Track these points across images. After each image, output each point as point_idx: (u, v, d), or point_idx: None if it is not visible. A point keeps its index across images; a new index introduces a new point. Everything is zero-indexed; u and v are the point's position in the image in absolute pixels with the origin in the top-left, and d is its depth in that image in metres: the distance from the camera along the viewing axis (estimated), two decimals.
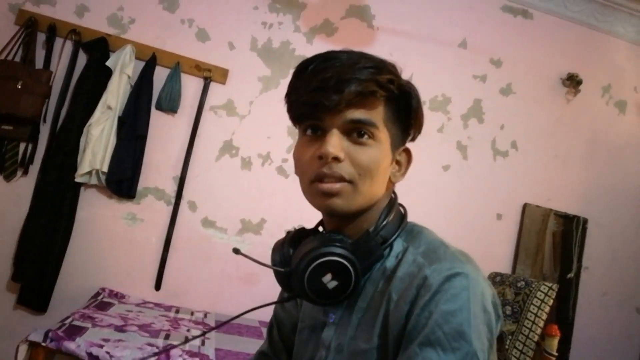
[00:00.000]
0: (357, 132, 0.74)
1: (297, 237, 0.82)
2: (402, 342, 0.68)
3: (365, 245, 0.75)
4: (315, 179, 0.74)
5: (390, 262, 0.76)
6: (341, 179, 0.73)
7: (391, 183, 0.81)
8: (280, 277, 0.82)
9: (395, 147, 0.78)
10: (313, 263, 0.72)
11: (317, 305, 0.80)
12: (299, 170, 0.79)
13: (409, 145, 0.84)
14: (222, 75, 2.78)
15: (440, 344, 0.63)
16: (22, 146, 2.50)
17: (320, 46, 2.89)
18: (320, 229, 0.86)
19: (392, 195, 0.83)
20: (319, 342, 0.81)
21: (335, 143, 0.72)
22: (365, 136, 0.74)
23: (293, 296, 0.78)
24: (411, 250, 0.75)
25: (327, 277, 0.72)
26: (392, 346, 0.69)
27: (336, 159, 0.72)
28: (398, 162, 0.81)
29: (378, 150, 0.75)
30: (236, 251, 0.79)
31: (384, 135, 0.76)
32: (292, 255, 0.78)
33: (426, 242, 0.76)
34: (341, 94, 0.71)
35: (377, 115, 0.75)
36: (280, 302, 0.84)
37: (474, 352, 0.63)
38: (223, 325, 0.88)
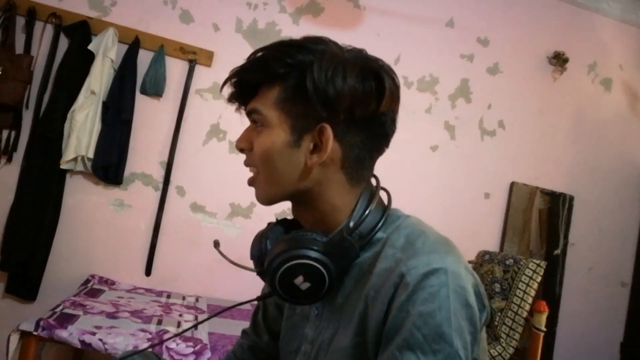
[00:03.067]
0: (254, 121, 0.76)
1: (277, 229, 0.81)
2: (382, 342, 0.66)
3: (339, 245, 0.72)
4: None
5: (369, 256, 0.74)
6: (250, 169, 0.78)
7: (310, 167, 0.74)
8: (257, 274, 0.81)
9: (300, 127, 0.73)
10: (283, 266, 0.71)
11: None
12: None
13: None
14: (207, 57, 2.74)
15: (420, 347, 0.62)
16: (4, 133, 2.45)
17: (306, 27, 2.86)
18: None
19: (373, 182, 0.81)
20: (304, 335, 0.82)
21: (242, 135, 0.78)
22: (258, 124, 0.75)
23: (270, 294, 0.76)
24: (390, 244, 0.72)
25: (299, 279, 0.71)
26: (371, 344, 0.68)
27: (241, 150, 0.78)
28: (315, 144, 0.73)
29: (268, 135, 0.74)
30: (216, 244, 0.79)
31: (277, 118, 0.73)
32: (267, 252, 0.76)
33: (406, 233, 0.73)
34: (236, 88, 0.78)
35: (267, 99, 0.74)
36: (262, 298, 0.83)
37: (455, 353, 0.62)
38: (216, 315, 0.88)
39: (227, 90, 0.79)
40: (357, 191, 0.77)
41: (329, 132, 0.72)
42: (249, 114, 0.78)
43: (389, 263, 0.69)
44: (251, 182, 0.79)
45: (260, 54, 0.75)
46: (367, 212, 0.75)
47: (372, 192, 0.78)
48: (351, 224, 0.74)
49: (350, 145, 0.74)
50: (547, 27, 3.31)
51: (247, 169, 0.80)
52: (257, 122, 0.76)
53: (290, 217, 0.84)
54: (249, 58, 0.76)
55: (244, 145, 0.78)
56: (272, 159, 0.74)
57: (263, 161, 0.75)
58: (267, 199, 0.78)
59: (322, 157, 0.73)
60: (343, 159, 0.74)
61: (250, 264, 0.82)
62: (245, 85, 0.77)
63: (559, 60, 3.25)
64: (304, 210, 0.79)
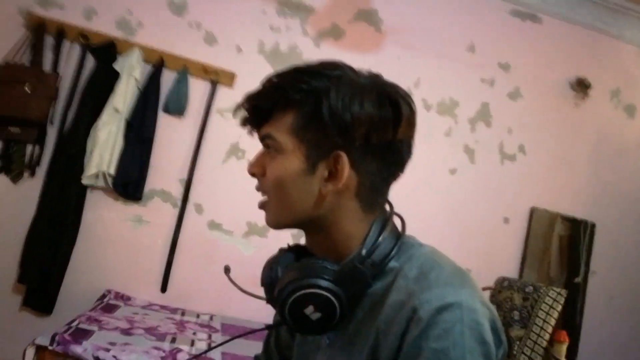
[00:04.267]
0: (268, 146, 0.75)
1: (288, 256, 0.80)
2: None
3: (351, 274, 0.70)
4: None
5: (381, 286, 0.71)
6: (260, 192, 0.77)
7: (325, 195, 0.72)
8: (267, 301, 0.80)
9: (315, 155, 0.72)
10: (292, 295, 0.69)
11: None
12: None
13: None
14: (229, 78, 2.78)
15: None
16: (29, 148, 2.51)
17: (327, 50, 2.89)
18: None
19: (387, 209, 0.78)
20: None
21: (254, 159, 0.77)
22: (272, 149, 0.74)
23: (279, 323, 0.74)
24: (403, 275, 0.70)
25: (310, 309, 0.69)
26: None
27: (253, 175, 0.77)
28: (330, 172, 0.72)
29: (282, 161, 0.73)
30: (227, 270, 0.79)
31: (291, 144, 0.72)
32: (277, 280, 0.75)
33: (419, 264, 0.70)
34: (250, 112, 0.77)
35: (282, 125, 0.73)
36: (273, 327, 0.81)
37: None
38: (232, 340, 0.87)
39: (241, 113, 0.79)
40: (371, 218, 0.75)
41: (344, 159, 0.70)
42: (262, 139, 0.76)
43: (401, 295, 0.67)
44: (262, 206, 0.78)
45: (274, 79, 0.74)
46: (379, 240, 0.72)
47: (386, 219, 0.76)
48: (363, 252, 0.71)
49: (365, 172, 0.73)
50: (569, 53, 3.30)
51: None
52: (271, 147, 0.74)
53: (288, 244, 0.84)
54: (263, 83, 0.75)
55: (256, 170, 0.77)
56: (284, 186, 0.73)
57: (275, 187, 0.74)
58: (277, 225, 0.77)
59: (337, 185, 0.71)
60: (358, 186, 0.73)
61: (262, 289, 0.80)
62: (259, 110, 0.76)
63: (581, 86, 3.23)
64: (315, 238, 0.78)
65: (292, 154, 0.72)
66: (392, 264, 0.72)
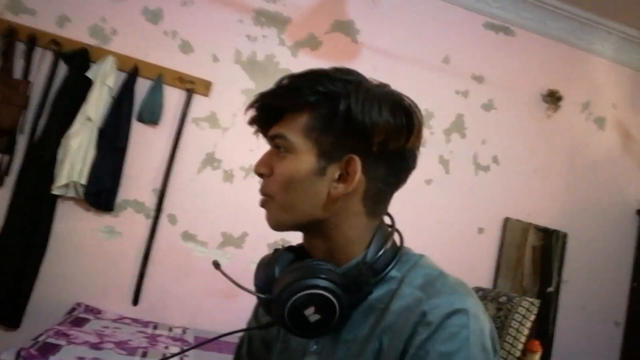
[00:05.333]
0: (277, 146, 0.75)
1: (285, 256, 0.79)
2: None
3: (356, 279, 0.71)
4: None
5: (382, 294, 0.72)
6: (264, 194, 0.77)
7: (334, 197, 0.73)
8: (261, 301, 0.79)
9: (327, 156, 0.72)
10: (296, 295, 0.68)
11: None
12: None
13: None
14: (205, 87, 2.76)
15: None
16: None
17: (304, 60, 2.90)
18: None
19: (388, 220, 0.80)
20: None
21: (262, 159, 0.77)
22: (282, 149, 0.74)
23: (272, 323, 0.74)
24: (407, 282, 0.71)
25: (310, 310, 0.68)
26: None
27: (260, 175, 0.77)
28: (341, 174, 0.73)
29: (293, 161, 0.73)
30: (216, 265, 0.77)
31: (303, 145, 0.73)
32: (277, 279, 0.74)
33: (423, 273, 0.72)
34: (260, 112, 0.77)
35: (294, 126, 0.73)
36: (260, 327, 0.80)
37: None
38: (203, 344, 0.86)
39: (248, 112, 0.79)
40: (373, 225, 0.76)
41: (357, 163, 0.71)
42: (271, 139, 0.77)
43: (408, 301, 0.68)
44: (264, 204, 0.78)
45: (289, 80, 0.75)
46: (384, 248, 0.73)
47: (387, 230, 0.77)
48: (368, 258, 0.72)
49: (374, 178, 0.74)
50: (541, 65, 3.36)
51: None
52: (281, 147, 0.75)
53: (283, 246, 0.82)
54: (277, 84, 0.75)
55: (265, 170, 0.77)
56: (293, 186, 0.73)
57: (284, 187, 0.74)
58: (279, 225, 0.76)
59: (348, 188, 0.72)
60: (365, 191, 0.74)
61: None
62: (271, 110, 0.76)
63: (552, 98, 3.30)
64: (315, 240, 0.77)
65: (304, 155, 0.73)
66: (393, 272, 0.73)
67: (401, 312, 0.68)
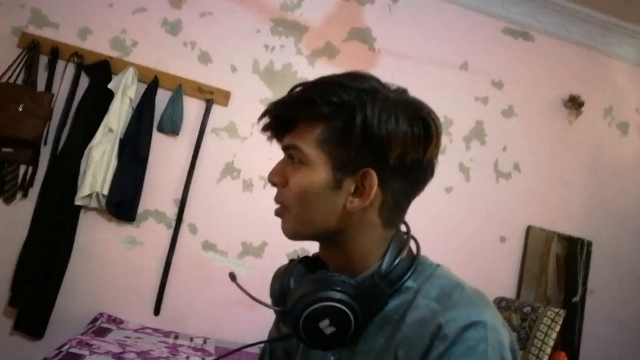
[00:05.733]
0: (291, 157, 0.74)
1: (300, 267, 0.78)
2: None
3: (370, 290, 0.70)
4: None
5: (398, 304, 0.71)
6: (279, 203, 0.76)
7: (349, 210, 0.71)
8: (276, 312, 0.79)
9: (343, 170, 0.70)
10: (310, 307, 0.68)
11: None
12: None
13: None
14: (224, 97, 2.78)
15: None
16: (22, 169, 2.49)
17: (322, 69, 2.90)
18: None
19: (404, 229, 0.78)
20: None
21: (276, 168, 0.76)
22: (296, 160, 0.73)
23: (288, 335, 0.73)
24: (423, 294, 0.69)
25: (325, 323, 0.67)
26: None
27: (274, 184, 0.76)
28: (357, 188, 0.71)
29: (308, 173, 0.71)
30: (232, 276, 0.77)
31: (318, 157, 0.71)
32: (291, 291, 0.74)
33: (439, 284, 0.70)
34: (273, 120, 0.75)
35: (308, 137, 0.71)
36: (279, 339, 0.79)
37: None
38: (225, 356, 0.85)
39: (262, 119, 0.77)
40: (389, 235, 0.75)
41: (374, 177, 0.70)
42: (285, 149, 0.75)
43: (423, 314, 0.67)
44: (279, 213, 0.76)
45: (303, 89, 0.73)
46: (399, 258, 0.72)
47: (402, 238, 0.76)
48: (383, 269, 0.71)
49: (392, 190, 0.72)
50: (561, 70, 3.32)
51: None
52: (295, 158, 0.73)
53: (299, 256, 0.82)
54: (291, 92, 0.74)
55: (278, 180, 0.75)
56: (308, 199, 0.72)
57: (298, 199, 0.72)
58: (294, 236, 0.75)
59: (365, 202, 0.70)
60: (382, 203, 0.72)
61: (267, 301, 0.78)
62: (284, 119, 0.74)
63: (574, 103, 3.24)
64: (331, 250, 0.77)
65: (319, 167, 0.71)
66: (409, 283, 0.72)
67: (417, 324, 0.67)
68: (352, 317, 0.68)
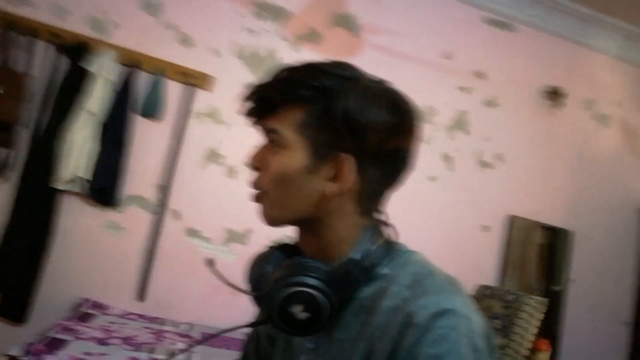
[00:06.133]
0: (272, 141, 0.74)
1: (278, 254, 0.78)
2: None
3: (344, 277, 0.69)
4: None
5: (373, 292, 0.70)
6: (258, 188, 0.75)
7: (327, 196, 0.71)
8: (252, 298, 0.78)
9: (321, 154, 0.71)
10: (283, 293, 0.67)
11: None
12: None
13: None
14: (207, 82, 2.73)
15: None
16: (1, 152, 2.41)
17: (306, 54, 2.87)
18: None
19: (380, 217, 0.78)
20: None
21: (256, 153, 0.75)
22: (275, 144, 0.73)
23: (265, 321, 0.73)
24: (396, 281, 0.69)
25: (299, 308, 0.67)
26: None
27: (255, 169, 0.75)
28: (335, 174, 0.71)
29: (285, 157, 0.71)
30: (210, 262, 0.76)
31: (297, 141, 0.71)
32: (266, 277, 0.74)
33: (412, 271, 0.70)
34: (256, 104, 0.74)
35: (287, 121, 0.71)
36: (254, 324, 0.79)
37: None
38: (209, 339, 0.84)
39: (245, 103, 0.76)
40: (365, 223, 0.75)
41: (352, 164, 0.70)
42: (265, 133, 0.75)
43: (396, 301, 0.67)
44: (257, 199, 0.76)
45: (285, 73, 0.73)
46: (372, 245, 0.72)
47: (379, 226, 0.76)
48: (357, 256, 0.71)
49: (369, 178, 0.73)
50: (545, 62, 3.35)
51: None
52: (274, 142, 0.73)
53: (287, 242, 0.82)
54: (273, 76, 0.73)
55: (257, 163, 0.75)
56: (285, 182, 0.72)
57: (276, 183, 0.72)
58: (272, 221, 0.75)
59: (342, 188, 0.71)
60: (360, 191, 0.73)
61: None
62: (265, 102, 0.74)
63: (556, 95, 3.28)
64: (308, 237, 0.77)
65: (297, 151, 0.71)
66: (383, 270, 0.71)
67: (389, 312, 0.67)
68: (326, 303, 0.68)
